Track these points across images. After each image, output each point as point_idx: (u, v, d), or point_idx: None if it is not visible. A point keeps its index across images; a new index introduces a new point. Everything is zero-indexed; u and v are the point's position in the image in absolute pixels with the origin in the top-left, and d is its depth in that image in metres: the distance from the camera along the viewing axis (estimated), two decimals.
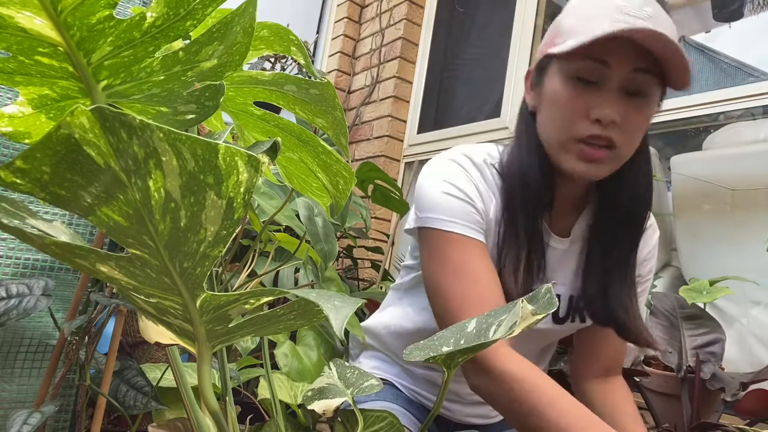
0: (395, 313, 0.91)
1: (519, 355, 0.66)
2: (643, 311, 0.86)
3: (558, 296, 0.81)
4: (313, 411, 0.60)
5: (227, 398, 0.53)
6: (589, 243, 0.80)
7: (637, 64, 0.65)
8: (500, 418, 0.92)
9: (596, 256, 0.79)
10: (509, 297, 0.72)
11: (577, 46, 0.62)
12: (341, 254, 1.92)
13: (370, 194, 1.71)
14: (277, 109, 0.66)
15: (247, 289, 0.44)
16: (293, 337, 1.07)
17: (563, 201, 0.78)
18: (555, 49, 0.66)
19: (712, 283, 1.10)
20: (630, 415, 0.80)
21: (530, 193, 0.74)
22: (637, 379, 1.07)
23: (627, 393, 0.85)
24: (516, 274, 0.73)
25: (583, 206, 0.81)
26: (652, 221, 0.85)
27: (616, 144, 0.67)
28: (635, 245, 0.78)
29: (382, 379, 0.90)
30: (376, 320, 0.95)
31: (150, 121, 0.25)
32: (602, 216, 0.79)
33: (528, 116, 0.76)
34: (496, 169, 0.78)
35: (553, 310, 0.42)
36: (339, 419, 0.64)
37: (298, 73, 2.42)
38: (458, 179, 0.75)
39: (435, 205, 0.74)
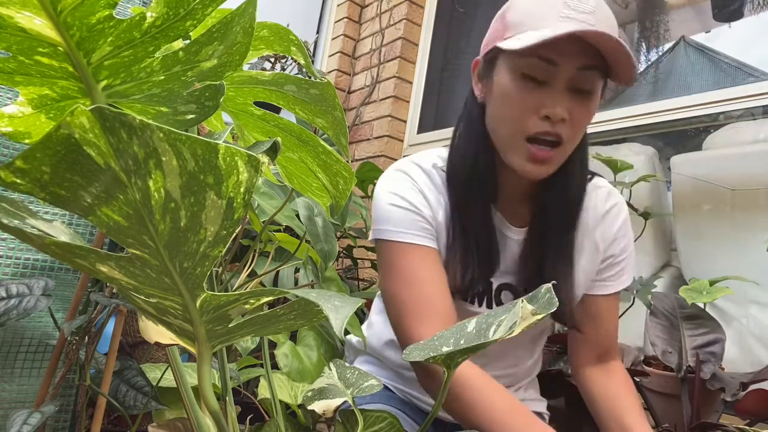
0: (384, 323, 0.91)
1: (468, 360, 0.68)
2: (624, 282, 0.86)
3: (512, 286, 0.82)
4: (313, 411, 0.60)
5: (227, 398, 0.53)
6: (530, 231, 0.81)
7: (584, 62, 0.67)
8: None
9: (535, 242, 0.80)
10: (456, 291, 0.75)
11: (525, 48, 0.64)
12: (341, 254, 1.92)
13: (370, 194, 1.71)
14: (277, 109, 0.66)
15: (247, 289, 0.44)
16: (293, 338, 1.07)
17: (511, 191, 0.80)
18: (504, 44, 0.67)
19: (712, 283, 1.10)
20: (631, 408, 0.80)
21: (474, 182, 0.76)
22: (637, 379, 1.07)
23: (625, 381, 0.85)
24: (465, 268, 0.75)
25: (532, 193, 0.83)
26: (615, 202, 0.86)
27: (563, 139, 0.69)
28: (569, 227, 0.79)
29: None
30: (368, 332, 0.96)
31: (150, 121, 0.25)
32: (543, 205, 0.80)
33: (475, 107, 0.77)
34: (444, 172, 0.80)
35: (553, 310, 0.42)
36: (339, 419, 0.64)
37: (298, 73, 2.42)
38: (403, 189, 0.78)
39: (383, 217, 0.77)
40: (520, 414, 0.65)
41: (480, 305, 0.82)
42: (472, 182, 0.76)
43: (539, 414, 0.95)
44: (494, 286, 0.82)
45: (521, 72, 0.68)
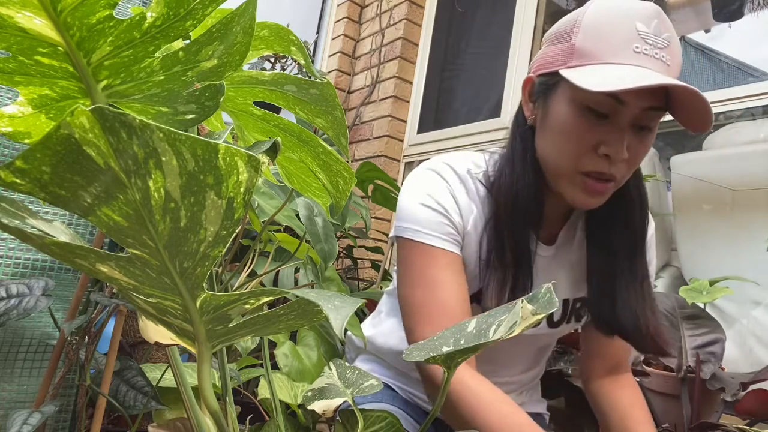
0: (393, 324, 0.91)
1: (464, 363, 0.68)
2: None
3: None
4: (313, 411, 0.60)
5: (227, 398, 0.53)
6: (589, 250, 0.80)
7: (652, 103, 0.64)
8: None
9: (598, 263, 0.78)
10: (490, 306, 0.72)
11: (598, 91, 0.59)
12: (341, 254, 1.92)
13: (370, 194, 1.71)
14: (277, 109, 0.66)
15: (247, 289, 0.44)
16: (293, 338, 1.07)
17: (550, 215, 0.79)
18: (572, 77, 0.62)
19: (712, 283, 1.10)
20: (641, 422, 0.80)
21: (520, 211, 0.73)
22: (637, 379, 1.07)
23: (636, 394, 0.85)
24: (500, 295, 0.73)
25: (568, 214, 0.81)
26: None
27: (617, 179, 0.67)
28: (638, 250, 0.77)
29: None
30: (374, 330, 0.95)
31: (150, 121, 0.25)
32: (598, 224, 0.78)
33: (525, 129, 0.74)
34: (480, 181, 0.77)
35: (553, 310, 0.42)
36: (339, 419, 0.64)
37: (298, 73, 2.42)
38: (435, 190, 0.75)
39: (409, 215, 0.75)
40: (516, 418, 0.64)
41: None
42: (518, 205, 0.73)
43: (539, 415, 0.95)
44: None
45: (584, 105, 0.65)
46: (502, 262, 0.74)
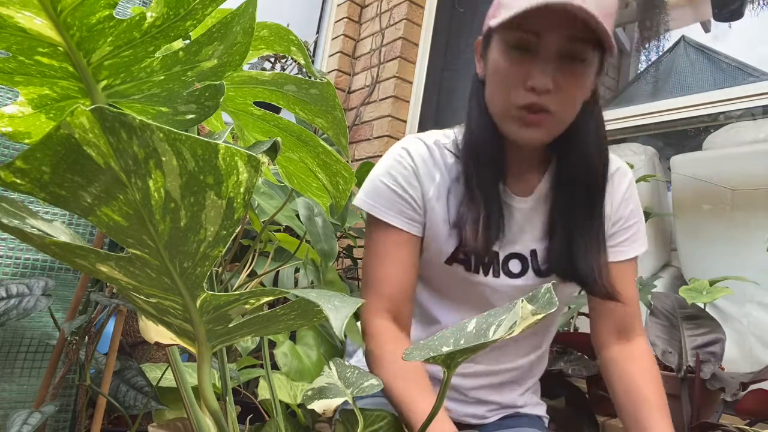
0: None
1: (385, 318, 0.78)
2: (644, 246, 0.87)
3: (520, 254, 0.85)
4: (313, 410, 0.60)
5: (227, 398, 0.53)
6: (552, 202, 0.83)
7: (570, 33, 0.68)
8: (495, 418, 0.92)
9: (558, 215, 0.82)
10: (471, 249, 0.79)
11: (507, 20, 0.66)
12: (341, 254, 1.92)
13: None
14: (277, 109, 0.66)
15: (247, 289, 0.44)
16: (293, 337, 1.07)
17: (519, 163, 0.82)
18: (493, 22, 0.70)
19: (712, 283, 1.10)
20: (648, 400, 0.77)
21: (482, 160, 0.79)
22: None
23: (646, 367, 0.82)
24: (475, 233, 0.78)
25: (544, 166, 0.85)
26: (618, 167, 0.87)
27: (551, 110, 0.71)
28: (595, 204, 0.80)
29: None
30: None
31: (150, 121, 0.25)
32: (560, 177, 0.82)
33: (478, 86, 0.80)
34: (448, 150, 0.84)
35: (553, 310, 0.42)
36: (339, 419, 0.63)
37: (298, 73, 2.42)
38: (396, 168, 0.82)
39: (370, 189, 0.83)
40: (412, 378, 0.71)
41: (486, 275, 0.84)
42: (480, 157, 0.79)
43: (539, 417, 0.95)
44: (501, 257, 0.84)
45: (510, 45, 0.71)
46: (473, 205, 0.78)
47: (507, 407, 0.91)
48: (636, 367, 0.82)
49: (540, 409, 0.96)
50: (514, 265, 0.84)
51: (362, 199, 0.84)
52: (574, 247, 0.80)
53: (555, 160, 0.84)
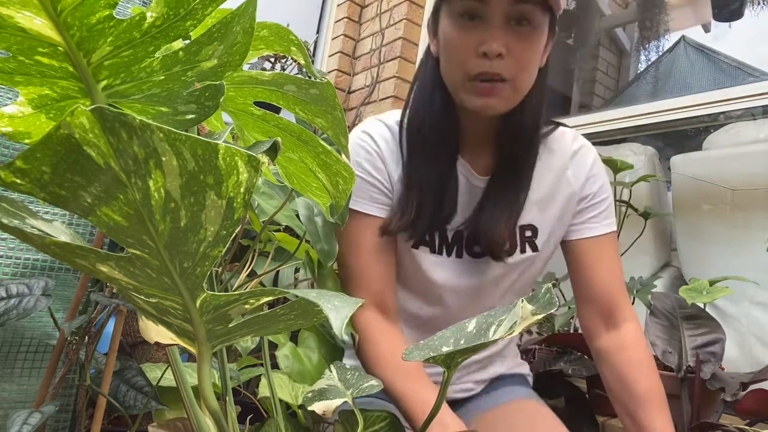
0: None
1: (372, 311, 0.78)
2: (609, 224, 0.85)
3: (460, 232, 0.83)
4: (313, 413, 0.60)
5: (227, 398, 0.53)
6: (492, 177, 0.82)
7: None
8: (480, 389, 0.92)
9: (490, 189, 0.81)
10: (410, 238, 0.79)
11: None
12: None
13: None
14: (277, 109, 0.66)
15: (247, 289, 0.44)
16: (294, 339, 1.07)
17: (474, 139, 0.81)
18: None
19: (712, 283, 1.10)
20: (644, 394, 0.76)
21: (434, 132, 0.78)
22: None
23: (639, 357, 0.79)
24: (417, 218, 0.77)
25: (500, 141, 0.83)
26: (581, 144, 0.86)
27: (506, 77, 0.70)
28: (522, 178, 0.79)
29: None
30: None
31: (150, 121, 0.25)
32: (503, 148, 0.81)
33: (431, 61, 0.79)
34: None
35: (553, 310, 0.42)
36: (338, 419, 0.64)
37: (298, 73, 2.42)
38: (360, 153, 0.81)
39: None
40: (412, 372, 0.71)
41: (442, 254, 0.82)
42: (431, 133, 0.78)
43: (521, 376, 0.95)
44: (465, 235, 0.82)
45: (456, 14, 0.71)
46: (419, 190, 0.77)
47: (492, 378, 0.92)
48: (629, 358, 0.79)
49: (523, 368, 0.96)
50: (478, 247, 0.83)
51: None
52: (484, 214, 0.79)
53: (500, 134, 0.82)
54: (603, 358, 0.83)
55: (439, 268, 0.82)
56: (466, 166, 0.81)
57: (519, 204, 0.79)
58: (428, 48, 0.81)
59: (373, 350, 0.76)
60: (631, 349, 0.80)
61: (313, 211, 0.96)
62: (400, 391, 0.71)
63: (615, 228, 0.86)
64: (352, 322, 0.80)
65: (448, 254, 0.82)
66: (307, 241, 0.93)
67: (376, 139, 0.81)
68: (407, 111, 0.82)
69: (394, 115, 0.84)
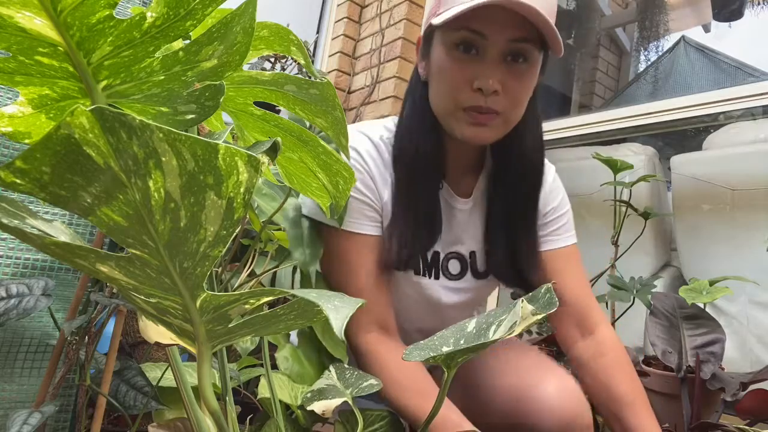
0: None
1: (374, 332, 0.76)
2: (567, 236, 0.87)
3: (460, 255, 0.84)
4: (313, 413, 0.60)
5: (227, 398, 0.53)
6: (489, 205, 0.83)
7: (514, 34, 0.67)
8: None
9: (497, 216, 0.81)
10: (398, 264, 0.77)
11: (451, 19, 0.64)
12: None
13: None
14: (277, 110, 0.66)
15: (247, 289, 0.44)
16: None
17: (458, 164, 0.81)
18: (434, 20, 0.68)
19: (712, 283, 1.10)
20: (625, 398, 0.76)
21: (421, 159, 0.77)
22: None
23: (617, 363, 0.80)
24: (404, 243, 0.76)
25: (480, 168, 0.84)
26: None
27: (499, 111, 0.70)
28: (532, 205, 0.81)
29: None
30: None
31: (150, 122, 0.25)
32: (497, 178, 0.82)
33: (420, 85, 0.78)
34: (392, 146, 0.81)
35: (553, 310, 0.42)
36: (338, 419, 0.64)
37: (298, 73, 2.42)
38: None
39: None
40: (412, 375, 0.70)
41: (429, 276, 0.83)
42: (418, 159, 0.77)
43: None
44: (441, 257, 0.83)
45: (452, 44, 0.69)
46: (408, 215, 0.77)
47: None
48: (609, 363, 0.80)
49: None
50: (454, 266, 0.84)
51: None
52: (515, 248, 0.80)
53: (491, 159, 0.83)
54: (583, 365, 0.83)
55: (424, 288, 0.84)
56: (449, 191, 0.82)
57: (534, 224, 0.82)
58: (414, 73, 0.80)
59: (386, 376, 0.72)
60: (609, 353, 0.81)
61: (301, 212, 0.94)
62: (415, 412, 0.68)
63: (576, 240, 0.89)
64: (354, 347, 0.78)
65: (428, 276, 0.83)
66: None
67: (364, 157, 0.79)
68: (397, 131, 0.80)
69: (377, 129, 0.82)
